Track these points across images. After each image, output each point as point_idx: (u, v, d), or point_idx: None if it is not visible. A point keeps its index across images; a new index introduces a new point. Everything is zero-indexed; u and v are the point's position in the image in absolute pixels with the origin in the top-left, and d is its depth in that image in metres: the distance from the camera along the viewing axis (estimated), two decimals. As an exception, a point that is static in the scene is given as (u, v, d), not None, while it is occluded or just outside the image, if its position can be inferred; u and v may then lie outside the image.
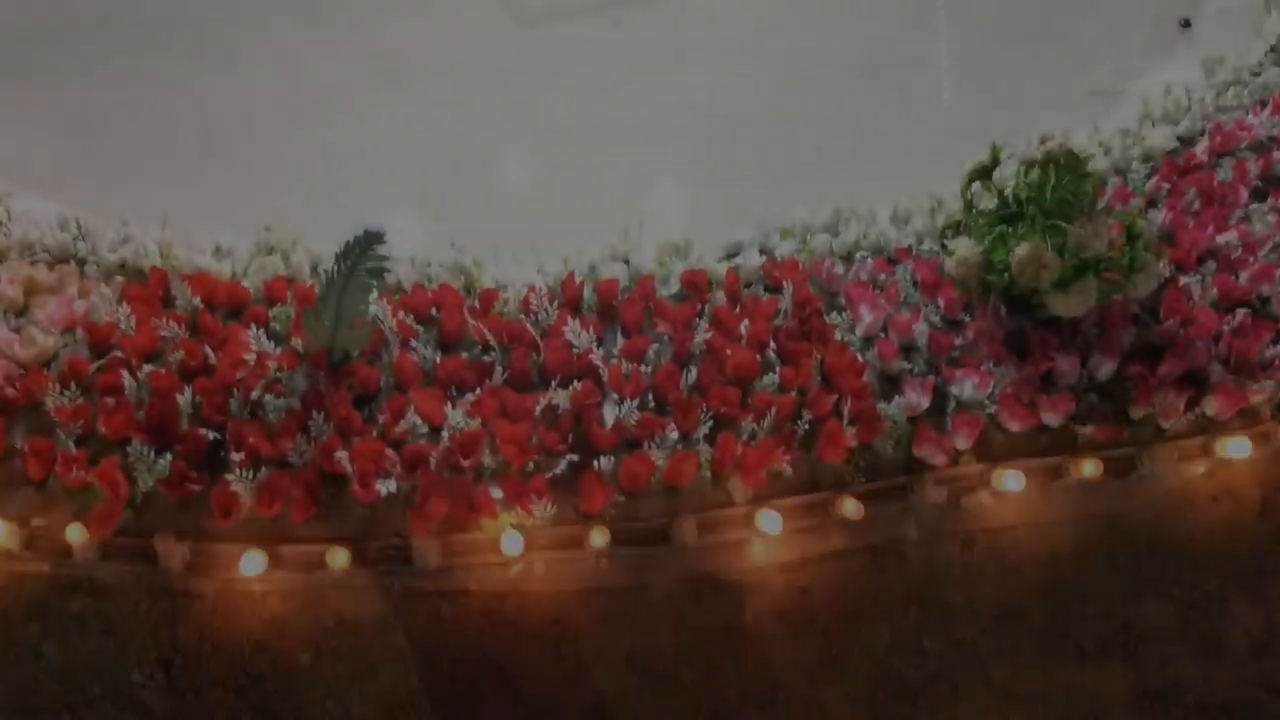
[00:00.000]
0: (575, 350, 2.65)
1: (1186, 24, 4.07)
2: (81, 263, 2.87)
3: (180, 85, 4.11)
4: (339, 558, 2.35)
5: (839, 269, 2.92)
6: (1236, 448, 2.65)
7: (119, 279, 2.83)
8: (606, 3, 4.61)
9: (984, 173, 2.80)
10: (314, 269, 2.92)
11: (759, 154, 3.83)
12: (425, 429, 2.49)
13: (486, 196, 3.63)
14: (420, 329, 2.74)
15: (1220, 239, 2.98)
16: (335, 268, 2.50)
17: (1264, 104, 3.43)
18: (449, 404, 2.52)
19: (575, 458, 2.44)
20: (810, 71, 4.20)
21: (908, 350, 2.71)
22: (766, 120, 3.95)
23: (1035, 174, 2.70)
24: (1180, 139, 3.36)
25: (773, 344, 2.68)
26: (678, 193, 3.75)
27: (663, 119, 4.01)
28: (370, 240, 2.49)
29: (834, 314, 2.79)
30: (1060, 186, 2.66)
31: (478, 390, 2.55)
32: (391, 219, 3.57)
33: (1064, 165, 2.67)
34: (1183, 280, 2.87)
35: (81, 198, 3.40)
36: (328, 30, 4.45)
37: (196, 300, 2.74)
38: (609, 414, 2.54)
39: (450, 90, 4.12)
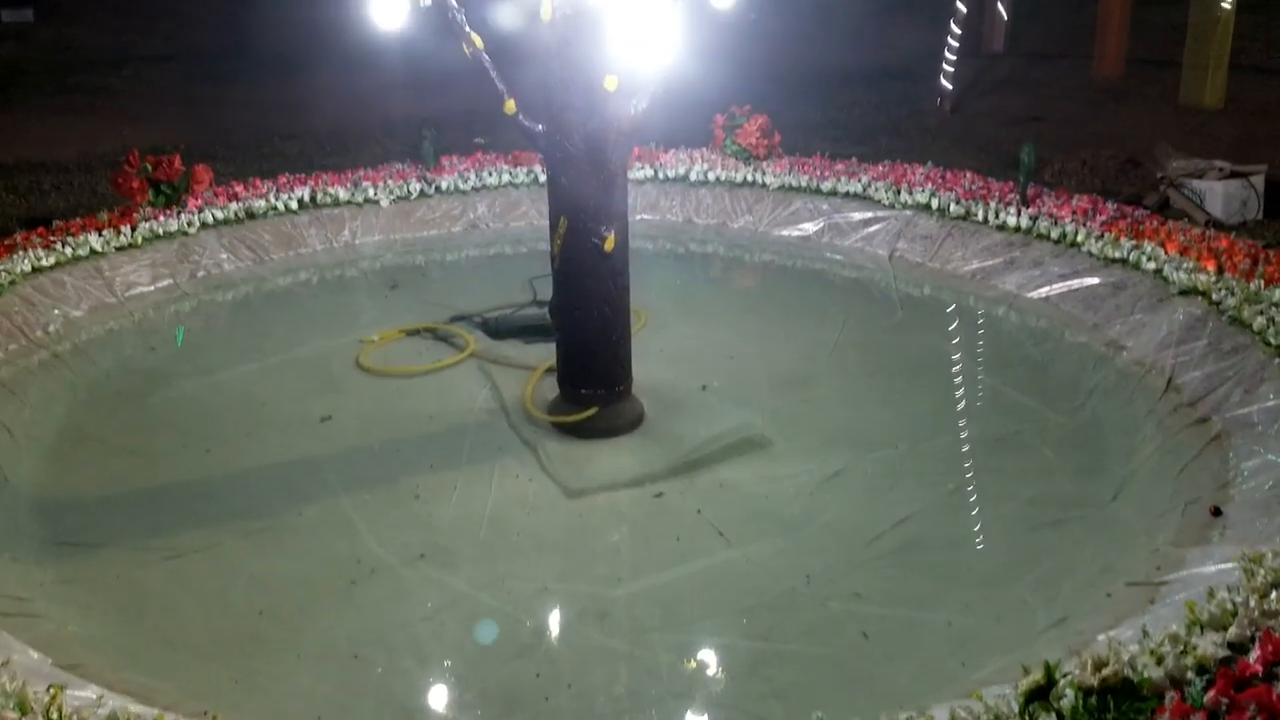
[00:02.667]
0: None
1: (1217, 512, 4.18)
2: (124, 770, 2.83)
3: (235, 561, 4.25)
4: None
5: (899, 791, 2.82)
6: None
7: (161, 789, 2.78)
8: (649, 477, 4.81)
9: (1040, 693, 2.78)
10: (358, 776, 2.86)
11: (803, 638, 3.82)
12: None
13: (531, 679, 3.59)
14: None
15: (1290, 764, 2.87)
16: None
17: (1308, 609, 3.44)
18: None
19: None
20: (851, 552, 4.29)
21: None
22: (810, 610, 3.98)
23: (1093, 700, 2.67)
24: (1231, 645, 3.34)
25: None
26: (725, 677, 3.70)
27: (704, 596, 4.06)
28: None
29: (896, 846, 2.66)
30: (1120, 715, 2.62)
31: None
32: (435, 708, 3.57)
33: (1120, 691, 2.66)
34: (1258, 811, 2.74)
35: (131, 678, 3.45)
36: (385, 503, 4.65)
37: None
38: None
39: (498, 565, 4.21)
